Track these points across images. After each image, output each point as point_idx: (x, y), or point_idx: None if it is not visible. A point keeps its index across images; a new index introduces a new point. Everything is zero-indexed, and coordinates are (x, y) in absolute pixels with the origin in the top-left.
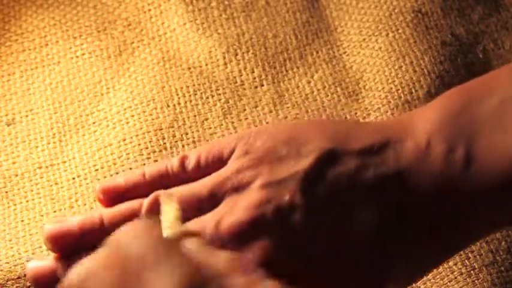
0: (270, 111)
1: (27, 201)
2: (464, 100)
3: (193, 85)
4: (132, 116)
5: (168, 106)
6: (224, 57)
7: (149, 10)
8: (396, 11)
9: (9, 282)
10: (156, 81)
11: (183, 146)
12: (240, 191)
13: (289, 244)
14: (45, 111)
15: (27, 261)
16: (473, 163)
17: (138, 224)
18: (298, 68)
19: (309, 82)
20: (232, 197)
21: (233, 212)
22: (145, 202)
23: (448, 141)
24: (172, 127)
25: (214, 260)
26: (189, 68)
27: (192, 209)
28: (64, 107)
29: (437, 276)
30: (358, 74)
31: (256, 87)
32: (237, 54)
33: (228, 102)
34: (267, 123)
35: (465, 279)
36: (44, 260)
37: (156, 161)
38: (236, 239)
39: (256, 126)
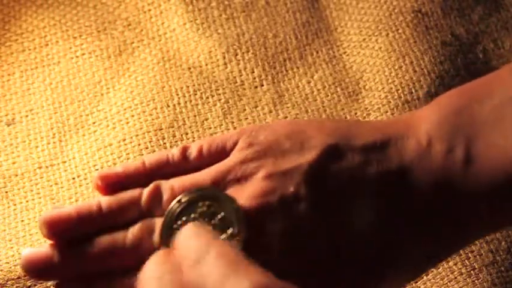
0: (270, 111)
1: (27, 201)
2: (465, 100)
3: (193, 85)
4: (132, 116)
5: (168, 106)
6: (224, 57)
7: (149, 10)
8: (396, 11)
9: (9, 282)
10: (156, 81)
11: None
12: (242, 182)
13: (291, 236)
14: (45, 111)
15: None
16: (473, 163)
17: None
18: (298, 68)
19: (309, 82)
20: (235, 187)
21: None
22: (145, 191)
23: (448, 141)
24: (172, 127)
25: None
26: (189, 68)
27: None
28: (64, 107)
29: (437, 276)
30: (358, 74)
31: (256, 87)
32: (237, 54)
33: (228, 102)
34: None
35: (465, 279)
36: (39, 248)
37: None
38: None
39: None
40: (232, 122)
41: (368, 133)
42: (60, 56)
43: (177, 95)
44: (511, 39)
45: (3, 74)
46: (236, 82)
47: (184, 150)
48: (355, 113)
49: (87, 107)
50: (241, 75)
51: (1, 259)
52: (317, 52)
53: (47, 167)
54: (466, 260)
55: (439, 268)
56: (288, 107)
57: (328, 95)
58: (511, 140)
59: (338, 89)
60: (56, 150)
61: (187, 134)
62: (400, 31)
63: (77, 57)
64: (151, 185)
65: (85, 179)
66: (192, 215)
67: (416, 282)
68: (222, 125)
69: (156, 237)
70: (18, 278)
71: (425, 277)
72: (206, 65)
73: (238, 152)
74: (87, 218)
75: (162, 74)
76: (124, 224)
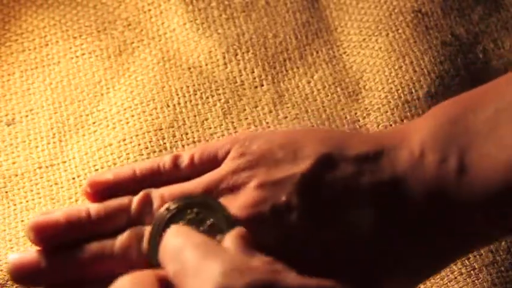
0: (270, 111)
1: (27, 201)
2: (459, 110)
3: (193, 85)
4: (132, 116)
5: (168, 106)
6: (224, 57)
7: (149, 10)
8: (396, 11)
9: (9, 283)
10: (156, 81)
11: (183, 146)
12: (235, 191)
13: (284, 245)
14: (45, 111)
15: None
16: (466, 172)
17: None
18: (298, 68)
19: (309, 82)
20: (226, 197)
21: None
22: (135, 199)
23: (441, 151)
24: (172, 127)
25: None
26: (189, 68)
27: None
28: (64, 107)
29: (437, 276)
30: (358, 74)
31: (256, 87)
32: (237, 54)
33: (228, 102)
34: (267, 123)
35: (465, 279)
36: (26, 253)
37: None
38: None
39: (256, 126)
40: (232, 122)
41: (361, 144)
42: (60, 56)
43: (177, 95)
44: (511, 39)
45: (3, 74)
46: (236, 82)
47: (176, 158)
48: (355, 113)
49: (87, 107)
50: (241, 75)
51: (1, 259)
52: (317, 52)
53: (47, 167)
54: (466, 260)
55: None
56: (288, 107)
57: (328, 95)
58: (504, 149)
59: (338, 89)
60: (56, 150)
61: (187, 134)
62: (400, 31)
63: (77, 57)
64: (142, 193)
65: (85, 179)
66: (181, 222)
67: None
68: (222, 125)
69: (144, 244)
70: None
71: None
72: (206, 65)
73: (231, 162)
74: (76, 224)
75: (162, 74)
76: (113, 232)
